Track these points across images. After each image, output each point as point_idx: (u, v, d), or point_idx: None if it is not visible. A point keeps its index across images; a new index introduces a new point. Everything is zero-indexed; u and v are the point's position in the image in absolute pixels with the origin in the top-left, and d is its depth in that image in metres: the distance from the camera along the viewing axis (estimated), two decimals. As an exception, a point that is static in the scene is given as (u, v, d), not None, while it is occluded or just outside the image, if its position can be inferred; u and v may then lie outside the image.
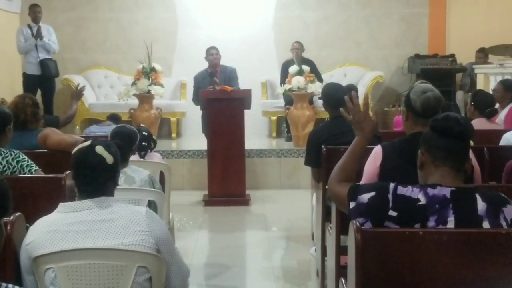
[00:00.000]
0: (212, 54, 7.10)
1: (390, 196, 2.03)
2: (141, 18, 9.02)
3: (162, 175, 3.99)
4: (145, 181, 3.36)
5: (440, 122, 2.09)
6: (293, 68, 7.42)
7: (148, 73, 7.52)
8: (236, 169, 6.19)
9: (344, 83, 8.57)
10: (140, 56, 7.77)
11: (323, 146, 3.74)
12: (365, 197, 2.04)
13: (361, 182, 2.87)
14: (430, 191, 2.03)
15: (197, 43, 8.89)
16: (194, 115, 8.34)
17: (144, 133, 4.21)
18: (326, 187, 2.47)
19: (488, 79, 7.07)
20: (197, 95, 6.56)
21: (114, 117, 6.16)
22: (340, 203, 2.25)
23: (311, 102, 7.67)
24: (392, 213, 2.01)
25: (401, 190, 2.04)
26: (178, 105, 8.59)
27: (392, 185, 2.05)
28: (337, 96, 4.09)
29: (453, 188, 2.03)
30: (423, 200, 2.01)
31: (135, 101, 7.63)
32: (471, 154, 2.73)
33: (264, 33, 8.98)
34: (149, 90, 7.45)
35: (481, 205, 1.99)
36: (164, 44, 8.86)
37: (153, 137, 4.45)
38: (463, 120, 2.10)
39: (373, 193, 2.05)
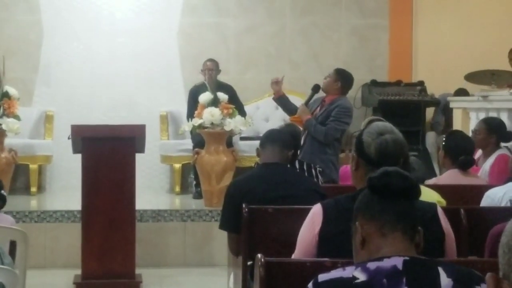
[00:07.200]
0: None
1: None
2: (-11, 22, 8.92)
3: (13, 246, 3.92)
4: (-11, 255, 3.30)
5: (380, 179, 2.23)
6: (205, 96, 7.49)
7: (-2, 100, 7.42)
8: (122, 239, 6.13)
9: (275, 117, 8.82)
10: (-14, 76, 7.67)
11: (243, 205, 3.77)
12: None
13: (295, 255, 2.91)
14: (372, 264, 2.11)
15: (70, 59, 8.84)
16: (63, 161, 8.24)
17: None
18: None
19: (467, 115, 7.32)
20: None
21: None
22: None
23: (230, 144, 7.74)
24: None
25: (324, 276, 2.13)
26: (41, 146, 8.46)
27: (310, 282, 2.14)
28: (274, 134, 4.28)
29: (406, 258, 2.12)
30: (362, 277, 2.09)
31: (-23, 140, 7.49)
32: (443, 217, 2.86)
33: (165, 47, 9.03)
34: (-2, 125, 7.35)
35: (445, 282, 2.09)
36: (22, 60, 8.77)
37: (1, 191, 4.36)
38: (407, 174, 2.25)
39: None
